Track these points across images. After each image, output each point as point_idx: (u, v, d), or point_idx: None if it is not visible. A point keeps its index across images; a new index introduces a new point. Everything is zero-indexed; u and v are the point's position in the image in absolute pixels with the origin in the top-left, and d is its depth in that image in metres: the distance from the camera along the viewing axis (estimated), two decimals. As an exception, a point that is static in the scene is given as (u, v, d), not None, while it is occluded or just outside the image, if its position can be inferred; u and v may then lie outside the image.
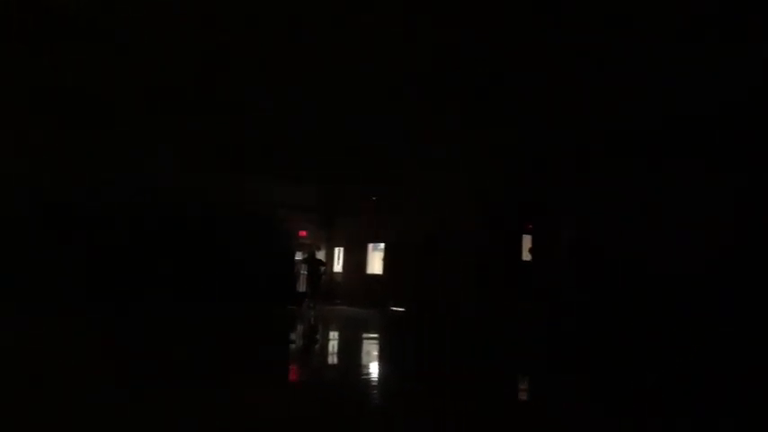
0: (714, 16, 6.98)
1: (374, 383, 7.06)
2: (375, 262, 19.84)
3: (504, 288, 14.05)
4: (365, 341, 11.62)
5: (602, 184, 12.34)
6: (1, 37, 9.82)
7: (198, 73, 11.77)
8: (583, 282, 12.33)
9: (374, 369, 8.24)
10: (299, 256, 19.47)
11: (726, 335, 9.61)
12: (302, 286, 18.86)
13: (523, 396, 6.93)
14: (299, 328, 13.66)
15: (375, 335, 12.69)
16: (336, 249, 21.68)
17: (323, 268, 18.60)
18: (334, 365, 8.76)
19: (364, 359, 9.39)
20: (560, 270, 13.17)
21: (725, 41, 7.79)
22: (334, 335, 12.87)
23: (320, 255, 20.17)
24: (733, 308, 9.75)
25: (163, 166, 16.43)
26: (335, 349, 10.71)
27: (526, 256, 14.54)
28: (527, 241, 14.65)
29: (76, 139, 15.15)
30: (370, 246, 20.00)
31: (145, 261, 15.51)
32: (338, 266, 21.51)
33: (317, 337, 12.21)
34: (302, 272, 18.81)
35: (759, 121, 9.90)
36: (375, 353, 10.08)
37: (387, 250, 18.94)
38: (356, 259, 20.34)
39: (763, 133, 9.85)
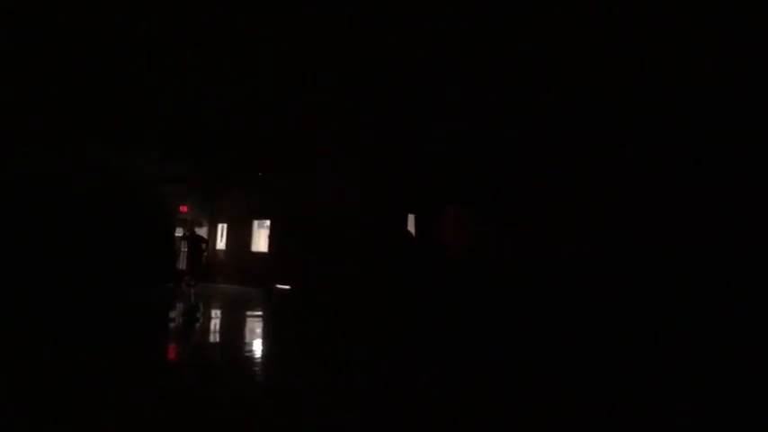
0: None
1: (250, 359, 7.15)
2: (260, 239, 19.66)
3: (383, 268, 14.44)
4: (245, 319, 11.61)
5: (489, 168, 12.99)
6: None
7: (60, 39, 11.06)
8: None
9: (250, 346, 8.31)
10: (179, 233, 18.88)
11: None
12: (182, 264, 18.34)
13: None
14: (178, 307, 13.35)
15: (254, 313, 12.68)
16: (219, 226, 21.24)
17: (204, 245, 18.17)
18: (212, 344, 8.72)
19: (245, 337, 9.42)
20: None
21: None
22: (214, 313, 12.71)
23: (202, 231, 19.69)
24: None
25: (24, 142, 15.26)
26: (215, 328, 10.62)
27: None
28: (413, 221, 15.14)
29: None
30: (256, 222, 19.79)
31: (7, 246, 14.43)
32: (221, 243, 21.10)
33: (198, 316, 12.02)
34: (182, 249, 18.28)
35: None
36: (254, 330, 10.13)
37: (272, 227, 18.82)
38: (240, 236, 20.05)
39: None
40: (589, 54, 8.94)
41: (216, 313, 12.69)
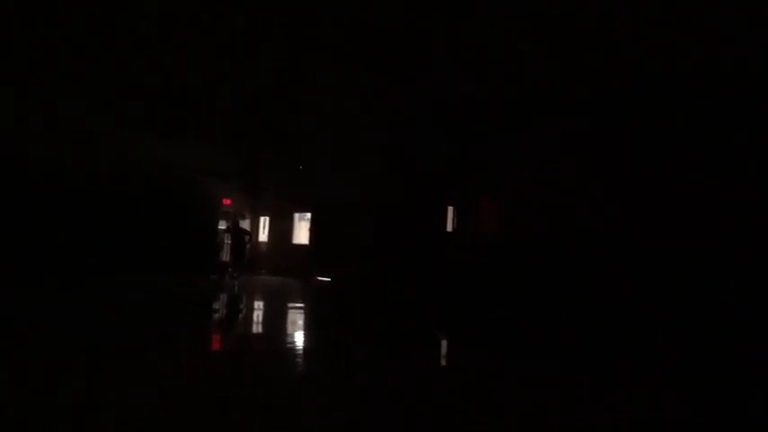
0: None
1: (293, 350, 7.44)
2: (301, 231, 20.07)
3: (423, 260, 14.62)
4: (289, 311, 11.96)
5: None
6: None
7: (114, 33, 11.53)
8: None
9: (295, 337, 8.61)
10: (222, 225, 19.42)
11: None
12: (226, 256, 18.86)
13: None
14: (222, 298, 13.81)
15: (294, 304, 13.04)
16: (262, 218, 21.74)
17: (247, 237, 18.64)
18: (256, 334, 9.06)
19: (289, 328, 9.74)
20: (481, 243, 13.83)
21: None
22: (257, 305, 13.11)
23: (245, 224, 20.20)
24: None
25: (76, 132, 15.94)
26: (259, 319, 10.99)
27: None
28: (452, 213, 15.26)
29: None
30: (297, 215, 20.20)
31: (59, 233, 15.14)
32: (263, 236, 21.60)
33: (241, 307, 12.43)
34: (226, 241, 18.80)
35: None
36: (299, 321, 10.45)
37: (313, 220, 19.19)
38: (282, 228, 20.50)
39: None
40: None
41: (258, 305, 13.09)
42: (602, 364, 7.29)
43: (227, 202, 20.19)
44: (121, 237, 16.28)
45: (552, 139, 12.50)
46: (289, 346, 7.84)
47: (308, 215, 19.63)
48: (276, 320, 10.72)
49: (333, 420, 4.56)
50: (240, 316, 11.06)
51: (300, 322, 10.47)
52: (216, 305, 12.70)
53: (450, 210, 15.15)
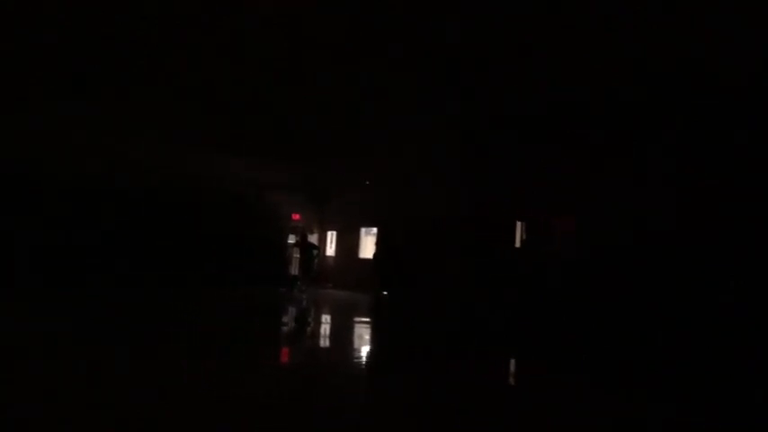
0: None
1: (359, 364, 7.56)
2: (368, 246, 20.31)
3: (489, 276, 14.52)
4: (355, 325, 12.13)
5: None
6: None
7: (181, 51, 12.12)
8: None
9: (362, 351, 8.74)
10: (291, 240, 19.89)
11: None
12: (294, 270, 19.30)
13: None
14: (291, 311, 14.16)
15: (360, 318, 13.21)
16: (329, 233, 22.14)
17: (315, 252, 19.04)
18: (325, 348, 9.25)
19: (355, 342, 9.90)
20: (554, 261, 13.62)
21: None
22: (325, 318, 13.37)
23: (313, 238, 20.63)
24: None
25: (148, 149, 16.76)
26: (327, 332, 11.21)
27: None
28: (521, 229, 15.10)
29: (70, 118, 15.47)
30: (363, 230, 20.47)
31: (132, 246, 15.89)
32: (331, 250, 21.98)
33: (309, 320, 12.71)
34: (295, 255, 19.24)
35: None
36: (362, 336, 10.60)
37: (379, 234, 19.40)
38: (349, 243, 20.82)
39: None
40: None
41: (325, 318, 13.34)
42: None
43: (295, 217, 20.70)
44: (195, 251, 16.94)
45: (630, 151, 12.22)
46: (356, 360, 7.99)
47: (375, 230, 19.86)
48: (344, 334, 10.90)
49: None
50: (309, 329, 11.32)
51: (367, 336, 10.62)
52: (285, 318, 13.04)
53: (519, 225, 15.01)
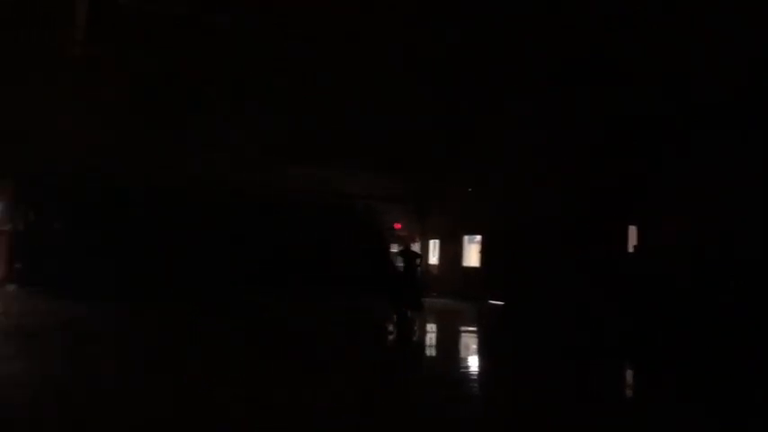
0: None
1: (469, 376, 7.51)
2: (471, 254, 20.14)
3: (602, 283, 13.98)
4: (461, 334, 12.06)
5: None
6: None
7: (284, 62, 12.67)
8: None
9: (470, 362, 8.67)
10: (394, 249, 20.08)
11: None
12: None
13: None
14: (395, 319, 14.26)
15: (470, 328, 13.10)
16: (431, 242, 22.16)
17: (418, 260, 19.06)
18: (431, 357, 9.27)
19: (461, 352, 9.84)
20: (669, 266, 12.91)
21: None
22: (430, 327, 13.38)
23: (415, 247, 20.70)
24: None
25: (251, 162, 17.53)
26: (433, 341, 11.22)
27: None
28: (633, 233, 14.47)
29: (167, 134, 16.54)
30: (466, 238, 20.33)
31: (239, 256, 16.59)
32: (434, 259, 21.98)
33: (415, 328, 12.76)
34: (398, 264, 19.38)
35: None
36: (473, 346, 10.51)
37: (483, 242, 19.20)
38: (452, 251, 20.74)
39: None
40: None
41: (431, 327, 13.36)
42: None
43: (398, 226, 20.88)
44: (302, 262, 17.45)
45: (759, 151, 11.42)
46: (463, 370, 7.94)
47: (478, 237, 19.67)
48: (452, 343, 10.87)
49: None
50: (414, 338, 11.37)
51: (474, 346, 10.52)
52: (390, 327, 13.16)
53: (632, 229, 14.38)
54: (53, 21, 13.94)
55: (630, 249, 14.28)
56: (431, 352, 10.03)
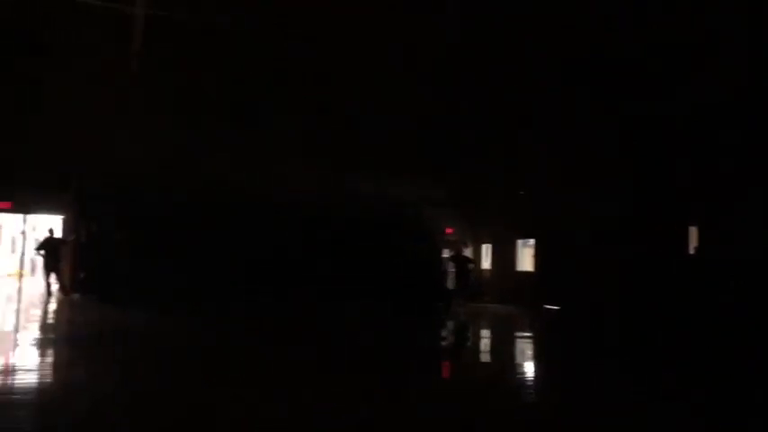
0: None
1: (525, 382, 7.38)
2: (525, 258, 19.86)
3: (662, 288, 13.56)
4: (516, 340, 11.88)
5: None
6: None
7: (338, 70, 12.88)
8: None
9: (526, 369, 8.53)
10: (445, 254, 19.98)
11: None
12: (450, 284, 19.34)
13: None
14: (449, 325, 14.20)
15: (526, 334, 12.90)
16: (484, 246, 21.96)
17: (471, 265, 18.94)
18: (485, 363, 9.16)
19: (517, 358, 9.70)
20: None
21: None
22: (484, 333, 13.26)
23: (467, 252, 20.56)
24: None
25: (304, 169, 17.79)
26: (486, 348, 11.10)
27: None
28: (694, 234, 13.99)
29: (217, 142, 16.98)
30: (519, 242, 20.06)
31: (292, 262, 16.82)
32: (486, 263, 21.77)
33: (468, 334, 12.66)
34: (450, 269, 19.29)
35: None
36: (528, 352, 10.34)
37: (537, 246, 18.90)
38: (505, 256, 20.49)
39: None
40: None
41: (485, 333, 13.24)
42: None
43: (449, 230, 20.77)
44: (353, 268, 17.54)
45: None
46: (519, 377, 7.81)
47: (532, 241, 19.38)
48: (507, 349, 10.72)
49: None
50: (468, 344, 11.27)
51: (529, 352, 10.35)
52: (444, 333, 13.11)
53: (693, 230, 13.90)
54: (112, 40, 14.57)
55: (691, 251, 13.82)
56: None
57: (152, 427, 4.65)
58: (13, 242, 21.03)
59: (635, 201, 14.72)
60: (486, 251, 21.86)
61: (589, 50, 9.77)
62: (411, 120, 17.54)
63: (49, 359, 7.81)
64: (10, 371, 6.80)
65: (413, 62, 11.89)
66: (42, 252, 15.93)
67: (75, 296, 15.58)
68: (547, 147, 17.54)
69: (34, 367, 7.15)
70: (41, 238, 16.67)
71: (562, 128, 16.49)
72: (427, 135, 18.49)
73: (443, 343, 11.57)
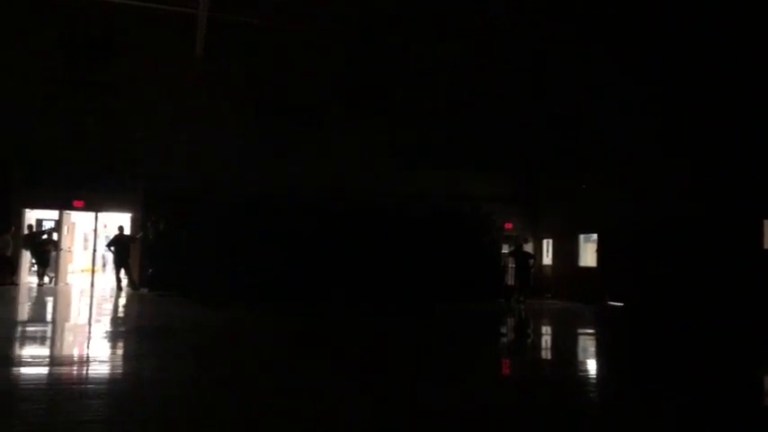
0: None
1: (589, 382, 7.22)
2: (587, 253, 19.43)
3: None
4: (580, 337, 11.65)
5: None
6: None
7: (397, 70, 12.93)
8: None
9: (590, 367, 8.35)
10: (505, 249, 19.77)
11: None
12: (510, 280, 19.14)
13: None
14: (509, 322, 14.04)
15: (590, 330, 12.63)
16: (545, 241, 21.59)
17: (531, 261, 18.69)
18: (547, 361, 9.02)
19: (580, 356, 9.50)
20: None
21: None
22: (546, 330, 13.04)
23: (527, 247, 20.27)
24: None
25: (364, 166, 17.92)
26: (549, 344, 10.92)
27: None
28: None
29: (283, 142, 17.27)
30: (582, 236, 19.64)
31: (351, 259, 16.98)
32: (547, 259, 21.41)
33: (529, 331, 12.49)
34: (510, 265, 19.08)
35: None
36: (591, 349, 10.12)
37: (600, 241, 18.47)
38: (566, 251, 20.10)
39: None
40: None
41: (546, 330, 13.01)
42: None
43: (508, 225, 20.52)
44: (413, 265, 17.57)
45: None
46: (583, 372, 7.64)
47: (594, 236, 18.94)
48: (570, 347, 10.52)
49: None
50: (529, 341, 11.12)
51: (592, 349, 10.12)
52: (504, 329, 12.97)
53: (767, 224, 13.30)
54: (176, 42, 15.06)
55: (766, 246, 13.24)
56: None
57: (224, 418, 4.77)
58: (86, 239, 21.98)
59: (706, 194, 14.20)
60: (547, 246, 21.50)
61: (663, 44, 9.47)
62: (471, 116, 17.43)
63: (121, 351, 8.13)
64: (85, 361, 7.12)
65: (473, 60, 11.86)
66: (113, 249, 16.66)
67: (144, 291, 16.19)
68: (611, 138, 17.11)
69: (107, 358, 7.46)
70: (112, 236, 17.43)
71: (629, 121, 16.04)
72: (485, 130, 18.32)
73: (504, 340, 11.45)
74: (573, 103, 16.16)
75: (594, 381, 7.25)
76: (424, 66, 13.26)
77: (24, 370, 6.44)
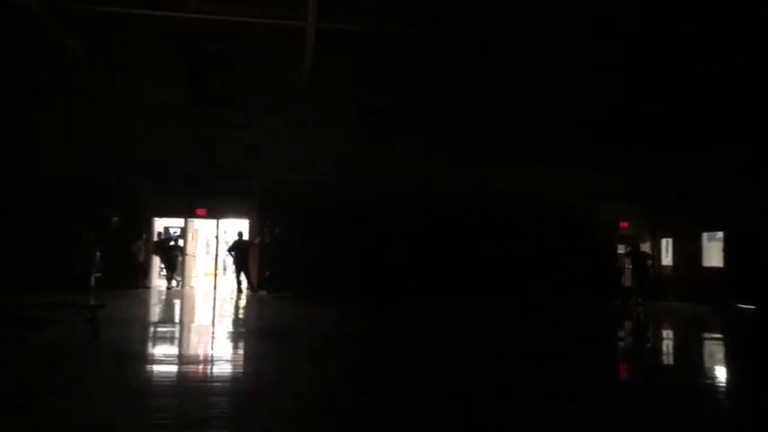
0: None
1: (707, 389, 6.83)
2: (712, 253, 18.21)
3: None
4: (704, 342, 10.98)
5: None
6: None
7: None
8: None
9: (714, 374, 7.89)
10: (621, 250, 18.98)
11: None
12: (627, 281, 18.36)
13: None
14: (626, 325, 13.47)
15: (715, 335, 11.88)
16: (664, 240, 20.47)
17: (649, 261, 17.82)
18: (667, 366, 8.60)
19: (705, 362, 8.97)
20: None
21: None
22: (666, 333, 12.40)
23: (645, 247, 19.32)
24: None
25: (477, 164, 17.83)
26: (669, 349, 10.38)
27: None
28: None
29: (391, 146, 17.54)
30: (705, 235, 18.44)
31: (464, 258, 16.99)
32: (667, 259, 20.27)
33: (648, 335, 11.93)
34: (626, 266, 18.30)
35: None
36: (718, 356, 9.53)
37: (727, 239, 17.26)
38: (688, 251, 18.94)
39: None
40: None
41: (667, 333, 12.37)
42: None
43: (624, 225, 19.66)
44: (523, 264, 17.31)
45: None
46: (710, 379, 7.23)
47: (720, 234, 17.73)
48: (695, 352, 9.95)
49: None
50: (649, 346, 10.62)
51: (720, 355, 9.52)
52: (621, 333, 12.46)
53: None
54: (286, 52, 15.77)
55: None
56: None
57: (343, 416, 4.94)
58: (208, 245, 23.35)
59: None
60: (667, 246, 20.36)
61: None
62: (583, 110, 16.94)
63: (243, 350, 8.59)
64: (209, 361, 7.59)
65: (586, 52, 11.47)
66: (233, 253, 17.60)
67: (262, 293, 16.99)
68: (735, 132, 16.00)
69: (230, 358, 7.92)
70: (231, 241, 18.42)
71: (752, 110, 14.95)
72: (600, 125, 17.75)
73: (622, 344, 11.00)
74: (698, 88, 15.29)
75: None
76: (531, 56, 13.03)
77: (157, 368, 6.98)
